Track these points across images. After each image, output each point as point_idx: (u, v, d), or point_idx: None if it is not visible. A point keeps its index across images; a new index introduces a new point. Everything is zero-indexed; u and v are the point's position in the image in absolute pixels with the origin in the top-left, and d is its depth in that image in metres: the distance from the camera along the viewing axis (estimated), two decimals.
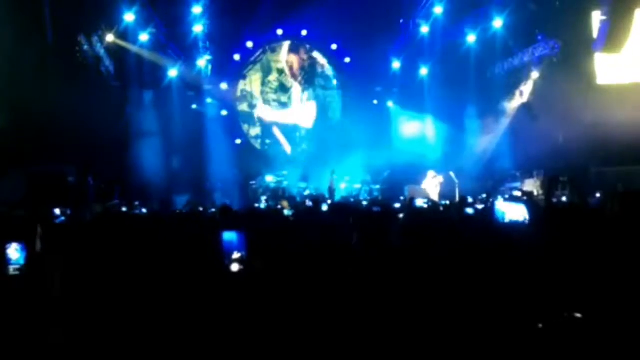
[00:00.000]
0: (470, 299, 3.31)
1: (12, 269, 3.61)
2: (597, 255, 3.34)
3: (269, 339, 3.11)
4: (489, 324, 3.12)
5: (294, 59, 22.23)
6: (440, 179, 17.43)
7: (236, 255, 3.96)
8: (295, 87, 22.34)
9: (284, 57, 22.13)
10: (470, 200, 11.28)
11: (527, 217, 5.30)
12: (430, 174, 17.67)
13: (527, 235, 4.75)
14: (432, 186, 17.48)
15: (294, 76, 22.28)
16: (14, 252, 3.61)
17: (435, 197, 16.63)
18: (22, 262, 3.61)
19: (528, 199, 9.68)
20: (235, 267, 3.94)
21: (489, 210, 5.98)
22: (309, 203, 11.13)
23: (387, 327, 3.18)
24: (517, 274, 3.46)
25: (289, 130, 22.28)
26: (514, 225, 5.23)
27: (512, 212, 5.49)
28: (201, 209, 10.87)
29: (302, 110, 22.40)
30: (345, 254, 4.03)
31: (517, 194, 14.34)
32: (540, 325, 2.97)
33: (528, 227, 5.12)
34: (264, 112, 22.04)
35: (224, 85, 20.85)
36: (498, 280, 3.45)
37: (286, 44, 22.01)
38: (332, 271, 3.75)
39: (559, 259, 3.47)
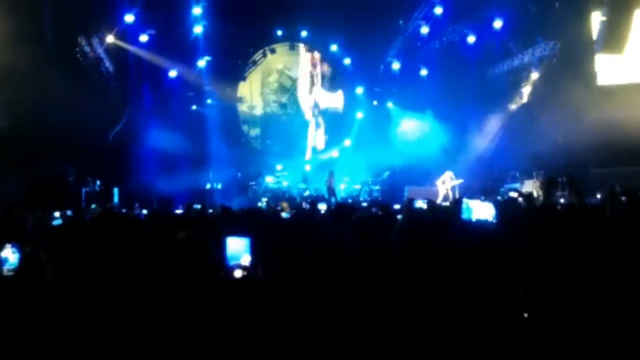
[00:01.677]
0: (461, 300, 3.32)
1: (5, 270, 3.62)
2: (593, 256, 3.35)
3: (271, 347, 3.11)
4: (481, 324, 3.13)
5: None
6: (457, 181, 17.27)
7: (244, 260, 3.94)
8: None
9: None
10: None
11: (494, 216, 5.19)
12: (448, 174, 17.52)
13: (497, 235, 4.72)
14: (444, 188, 17.42)
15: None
16: (8, 253, 3.60)
17: (440, 197, 16.69)
18: (16, 263, 3.60)
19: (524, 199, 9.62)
20: (238, 274, 3.92)
21: (457, 208, 5.88)
22: (305, 205, 11.09)
23: (385, 330, 3.19)
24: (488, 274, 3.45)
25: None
26: (482, 225, 5.13)
27: (480, 211, 5.36)
28: (198, 206, 10.84)
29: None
30: (343, 258, 4.02)
31: (514, 194, 14.30)
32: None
33: (497, 226, 5.03)
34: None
35: (222, 87, 20.86)
36: (479, 280, 3.45)
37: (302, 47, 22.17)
38: (330, 275, 3.75)
39: (540, 259, 3.48)
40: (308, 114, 22.43)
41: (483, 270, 3.41)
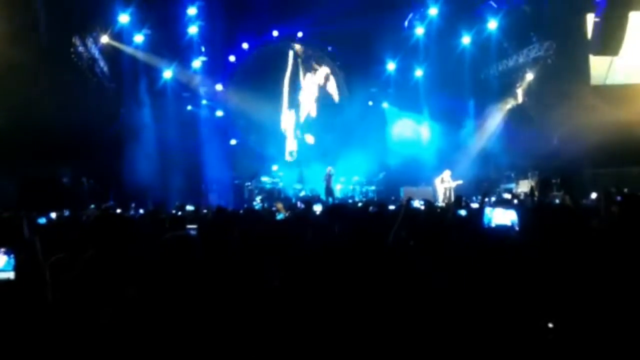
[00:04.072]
0: (461, 301, 3.32)
1: None
2: (589, 257, 3.35)
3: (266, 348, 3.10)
4: (481, 326, 3.13)
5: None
6: (457, 182, 17.26)
7: None
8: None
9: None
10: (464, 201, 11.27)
11: (516, 221, 5.27)
12: (447, 173, 17.52)
13: (515, 240, 4.76)
14: (443, 187, 17.44)
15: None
16: (0, 257, 3.46)
17: (441, 197, 16.78)
18: (8, 268, 3.46)
19: (518, 201, 9.72)
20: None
21: (479, 214, 5.98)
22: (300, 205, 11.04)
23: (384, 329, 3.19)
24: (504, 277, 3.46)
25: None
26: (502, 230, 5.22)
27: (500, 217, 5.47)
28: (192, 207, 10.82)
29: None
30: (340, 259, 4.02)
31: (507, 196, 14.38)
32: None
33: (518, 232, 5.10)
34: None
35: (219, 87, 20.81)
36: (486, 282, 3.46)
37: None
38: (328, 277, 3.74)
39: (546, 261, 3.48)
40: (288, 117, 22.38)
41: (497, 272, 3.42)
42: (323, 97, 22.52)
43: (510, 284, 3.41)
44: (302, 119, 22.37)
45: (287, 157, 21.99)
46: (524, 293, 3.28)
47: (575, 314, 3.09)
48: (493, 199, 13.78)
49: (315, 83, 22.45)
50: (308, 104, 22.42)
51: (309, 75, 22.35)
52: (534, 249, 3.79)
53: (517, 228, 5.19)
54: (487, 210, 5.70)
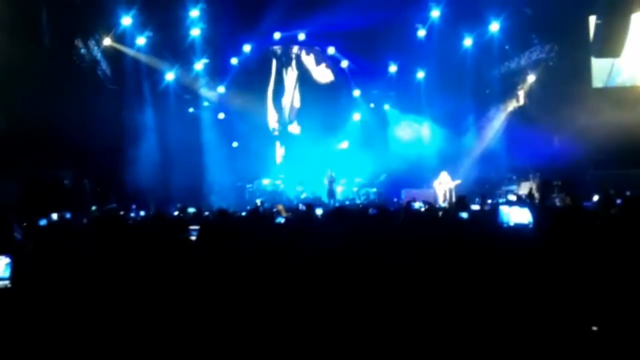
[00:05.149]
0: (468, 302, 3.32)
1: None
2: (590, 257, 3.36)
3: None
4: (489, 327, 3.12)
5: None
6: (456, 182, 17.25)
7: None
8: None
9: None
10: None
11: (531, 220, 5.30)
12: (444, 175, 17.50)
13: (531, 238, 4.77)
14: (442, 189, 17.43)
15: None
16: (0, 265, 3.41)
17: (441, 198, 16.78)
18: (7, 275, 3.42)
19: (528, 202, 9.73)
20: None
21: (493, 213, 6.00)
22: (302, 207, 11.03)
23: (384, 331, 3.18)
24: (521, 277, 3.45)
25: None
26: (519, 229, 5.25)
27: (517, 215, 5.51)
28: (194, 209, 10.84)
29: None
30: (340, 260, 4.01)
31: (513, 197, 14.36)
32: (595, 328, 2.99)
33: (532, 230, 5.13)
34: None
35: (220, 89, 20.83)
36: (500, 283, 3.45)
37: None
38: (327, 278, 3.74)
39: (557, 260, 3.48)
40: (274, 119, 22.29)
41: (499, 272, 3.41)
42: (303, 78, 22.14)
43: (532, 282, 3.40)
44: (287, 117, 22.25)
45: (278, 160, 21.94)
46: (548, 291, 3.28)
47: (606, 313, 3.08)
48: (493, 201, 13.76)
49: (294, 68, 22.18)
50: (290, 96, 22.20)
51: (289, 69, 22.22)
52: (555, 248, 3.79)
53: (531, 226, 5.22)
54: (503, 208, 5.72)
